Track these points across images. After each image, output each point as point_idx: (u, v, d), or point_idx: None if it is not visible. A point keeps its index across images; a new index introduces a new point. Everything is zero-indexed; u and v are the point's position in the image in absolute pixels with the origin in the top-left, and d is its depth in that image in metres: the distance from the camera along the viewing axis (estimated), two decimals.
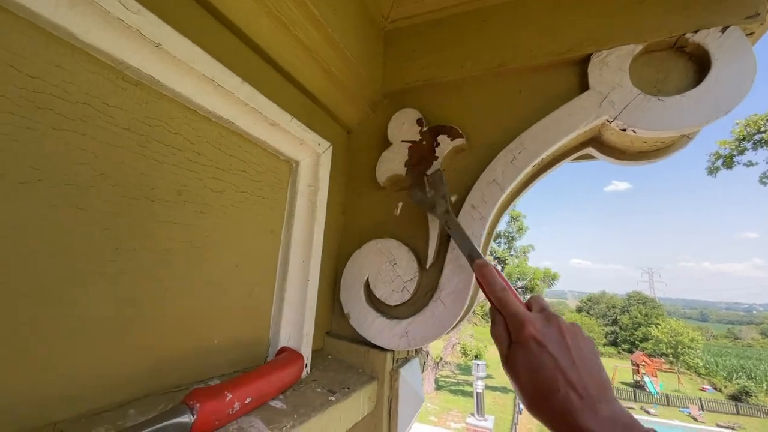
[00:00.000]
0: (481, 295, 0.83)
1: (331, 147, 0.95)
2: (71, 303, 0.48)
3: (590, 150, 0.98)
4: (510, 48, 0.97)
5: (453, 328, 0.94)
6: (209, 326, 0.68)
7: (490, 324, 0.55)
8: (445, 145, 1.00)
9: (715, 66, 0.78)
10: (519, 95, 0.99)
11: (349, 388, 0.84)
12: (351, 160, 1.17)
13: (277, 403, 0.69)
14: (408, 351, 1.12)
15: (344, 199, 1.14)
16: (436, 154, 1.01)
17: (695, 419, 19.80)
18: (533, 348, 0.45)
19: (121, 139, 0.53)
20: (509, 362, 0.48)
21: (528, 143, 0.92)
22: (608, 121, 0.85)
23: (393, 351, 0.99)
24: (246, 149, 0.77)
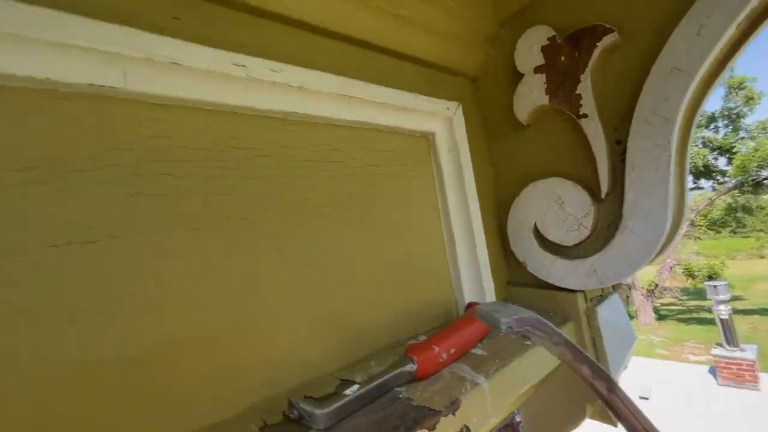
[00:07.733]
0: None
1: (460, 106, 0.94)
2: (297, 285, 0.67)
3: None
4: None
5: (655, 257, 0.81)
6: (403, 296, 0.82)
7: None
8: (591, 49, 0.83)
9: None
10: None
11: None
12: (484, 108, 1.12)
13: (479, 351, 0.77)
14: (603, 288, 1.03)
15: (488, 149, 1.11)
16: (582, 65, 0.85)
17: None
18: None
19: (302, 168, 0.69)
20: None
21: None
22: None
23: (583, 291, 0.94)
24: (387, 139, 0.85)
